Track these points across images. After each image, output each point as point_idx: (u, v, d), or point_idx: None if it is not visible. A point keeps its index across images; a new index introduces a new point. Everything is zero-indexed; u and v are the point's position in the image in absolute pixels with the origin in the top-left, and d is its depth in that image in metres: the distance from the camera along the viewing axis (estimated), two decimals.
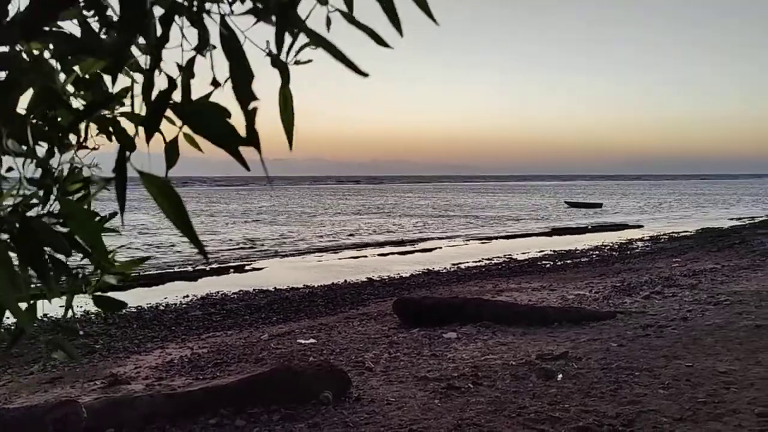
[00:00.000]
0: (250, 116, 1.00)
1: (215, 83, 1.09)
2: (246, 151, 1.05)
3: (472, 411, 4.82)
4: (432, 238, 28.46)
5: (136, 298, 13.12)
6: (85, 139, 1.32)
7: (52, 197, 1.13)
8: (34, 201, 1.12)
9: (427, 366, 6.25)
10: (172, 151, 1.17)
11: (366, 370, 6.20)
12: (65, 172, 1.23)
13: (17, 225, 0.98)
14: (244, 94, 1.01)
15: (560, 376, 5.63)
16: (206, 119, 1.01)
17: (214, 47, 1.08)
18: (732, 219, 37.02)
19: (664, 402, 4.85)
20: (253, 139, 1.00)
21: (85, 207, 1.13)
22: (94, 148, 1.49)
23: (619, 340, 6.90)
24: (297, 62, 1.17)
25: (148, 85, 1.04)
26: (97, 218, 1.28)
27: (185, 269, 18.85)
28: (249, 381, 5.13)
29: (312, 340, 8.02)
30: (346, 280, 15.75)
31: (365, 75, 1.09)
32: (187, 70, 1.07)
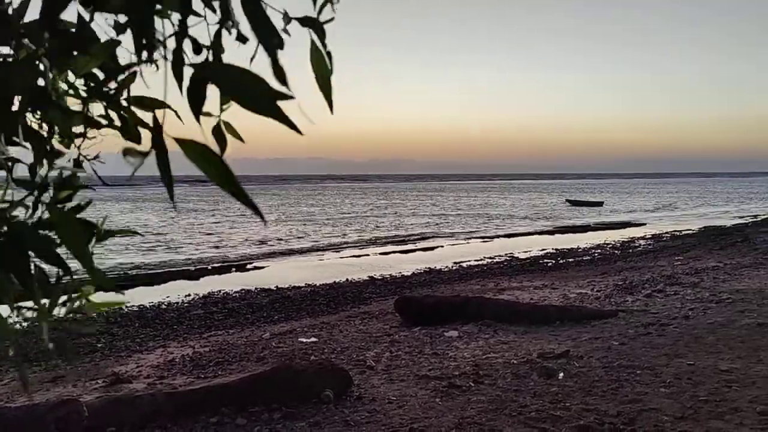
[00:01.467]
0: (276, 64, 0.96)
1: (241, 38, 1.05)
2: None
3: (473, 410, 4.81)
4: (433, 237, 28.45)
5: (137, 296, 13.15)
6: (83, 139, 1.29)
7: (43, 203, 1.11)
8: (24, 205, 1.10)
9: (429, 364, 6.25)
10: (220, 135, 1.15)
11: (367, 369, 6.20)
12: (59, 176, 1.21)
13: (3, 230, 0.97)
14: (269, 42, 0.98)
15: (561, 374, 5.62)
16: (243, 83, 0.96)
17: (239, 23, 1.06)
18: (735, 217, 36.95)
19: (666, 400, 4.84)
20: (282, 79, 0.96)
21: (76, 216, 1.10)
22: (96, 157, 1.47)
23: (621, 339, 6.89)
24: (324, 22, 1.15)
25: (177, 61, 1.01)
26: (94, 228, 1.25)
27: (187, 268, 18.87)
28: (250, 380, 5.14)
29: (313, 339, 8.03)
30: (347, 279, 15.75)
31: None
32: (217, 42, 1.05)
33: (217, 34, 1.05)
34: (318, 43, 1.13)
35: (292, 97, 0.93)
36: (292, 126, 0.95)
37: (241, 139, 1.22)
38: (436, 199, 68.72)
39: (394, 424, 4.58)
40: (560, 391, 5.17)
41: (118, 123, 1.17)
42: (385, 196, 76.11)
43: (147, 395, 4.90)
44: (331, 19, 1.15)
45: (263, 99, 0.93)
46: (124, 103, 1.10)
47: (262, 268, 19.31)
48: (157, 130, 0.96)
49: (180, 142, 0.92)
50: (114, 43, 1.06)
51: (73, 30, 1.04)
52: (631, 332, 7.21)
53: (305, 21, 1.12)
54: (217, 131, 1.15)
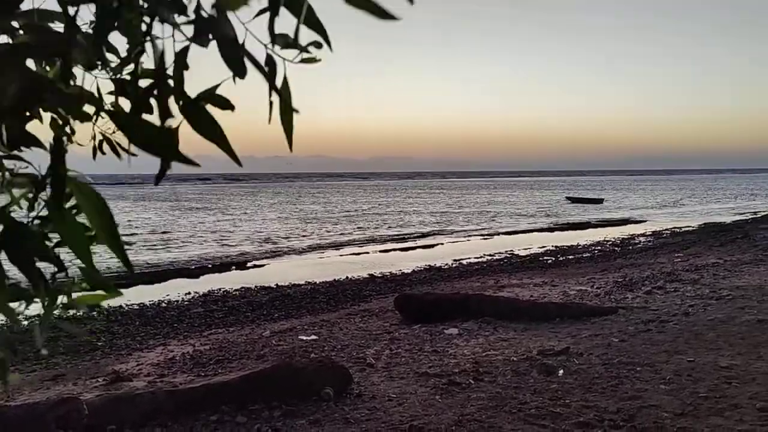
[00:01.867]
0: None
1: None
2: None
3: (473, 407, 4.82)
4: (433, 234, 28.45)
5: (138, 295, 13.15)
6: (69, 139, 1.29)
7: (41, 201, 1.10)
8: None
9: (429, 362, 6.26)
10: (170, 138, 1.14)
11: (367, 367, 6.21)
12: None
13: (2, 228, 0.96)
14: (235, 66, 0.98)
15: (561, 371, 5.63)
16: (199, 115, 0.98)
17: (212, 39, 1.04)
18: (735, 213, 36.94)
19: (665, 397, 4.84)
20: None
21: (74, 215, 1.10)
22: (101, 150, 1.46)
23: (621, 336, 6.90)
24: (304, 60, 1.10)
25: (134, 79, 1.02)
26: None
27: (187, 266, 18.88)
28: (250, 377, 5.14)
29: (313, 337, 8.03)
30: (347, 277, 15.75)
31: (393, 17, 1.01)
32: (182, 59, 1.04)
33: (182, 52, 1.05)
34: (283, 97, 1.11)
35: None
36: (236, 160, 1.00)
37: (236, 160, 1.16)
38: (437, 196, 68.72)
39: (394, 422, 4.59)
40: (560, 388, 5.17)
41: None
42: (386, 194, 76.12)
43: (147, 393, 4.90)
44: (317, 60, 1.12)
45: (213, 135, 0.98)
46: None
47: (262, 266, 19.32)
48: (56, 157, 0.96)
49: (72, 184, 0.95)
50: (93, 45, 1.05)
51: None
52: (631, 329, 7.21)
53: (267, 60, 1.08)
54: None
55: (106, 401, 4.69)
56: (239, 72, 1.01)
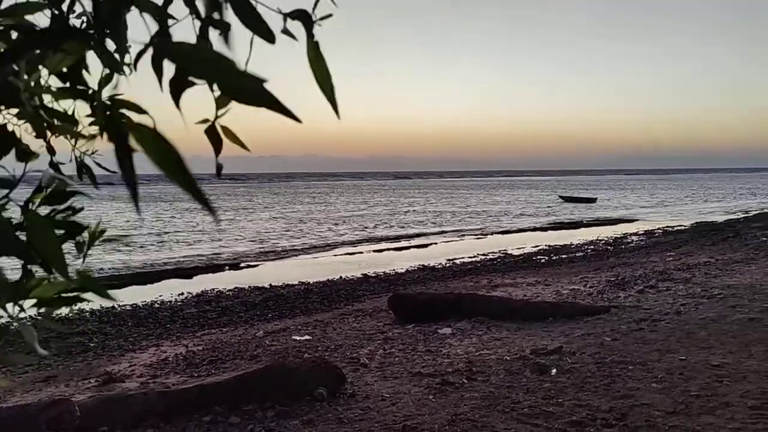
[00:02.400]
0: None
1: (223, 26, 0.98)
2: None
3: (467, 406, 4.83)
4: (427, 234, 28.47)
5: (131, 295, 13.10)
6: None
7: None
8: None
9: (422, 362, 6.26)
10: (214, 136, 1.09)
11: (361, 367, 6.21)
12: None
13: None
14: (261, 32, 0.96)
15: (554, 370, 5.65)
16: (213, 64, 0.86)
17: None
18: (727, 213, 37.15)
19: (657, 396, 4.87)
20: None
21: (48, 218, 1.08)
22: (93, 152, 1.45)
23: (613, 335, 6.92)
24: (319, 19, 1.07)
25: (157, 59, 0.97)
26: (81, 231, 1.23)
27: (181, 266, 18.81)
28: (243, 378, 5.13)
29: (307, 337, 8.02)
30: (341, 277, 15.74)
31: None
32: (203, 38, 1.00)
33: (203, 30, 1.02)
34: (316, 48, 1.06)
35: (264, 80, 0.84)
36: (287, 112, 0.86)
37: (244, 146, 1.14)
38: (431, 196, 68.78)
39: (388, 422, 4.59)
40: (553, 387, 5.19)
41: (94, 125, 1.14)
42: (380, 194, 76.11)
43: (139, 394, 4.89)
44: (329, 15, 1.08)
45: (241, 83, 0.84)
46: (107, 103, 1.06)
47: (256, 266, 19.27)
48: (115, 120, 0.91)
49: (130, 126, 0.87)
50: (88, 39, 1.03)
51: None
52: (624, 328, 7.24)
53: (297, 14, 1.05)
54: (211, 132, 1.09)
55: (98, 402, 4.68)
56: (269, 37, 0.98)
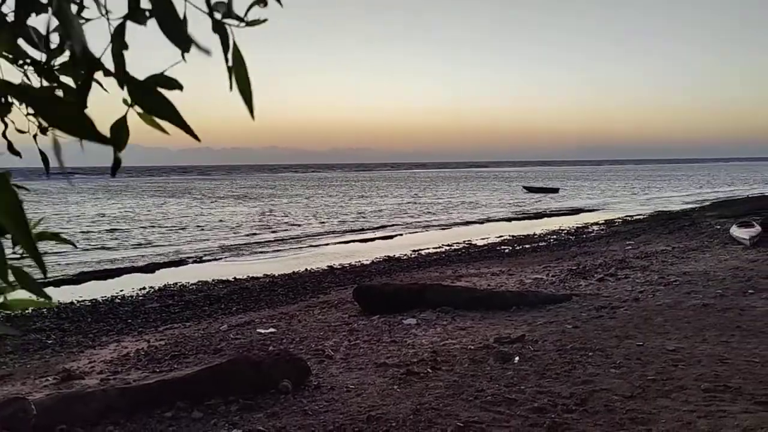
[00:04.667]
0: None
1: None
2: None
3: (431, 395, 4.87)
4: (392, 226, 28.54)
5: (90, 291, 12.82)
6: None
7: None
8: None
9: (387, 352, 6.29)
10: (121, 131, 1.04)
11: (326, 358, 6.20)
12: None
13: None
14: (178, 39, 0.95)
15: (517, 358, 5.73)
16: (149, 96, 0.93)
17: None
18: (683, 202, 38.18)
19: (616, 381, 4.99)
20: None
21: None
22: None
23: (574, 322, 7.07)
24: (250, 23, 1.05)
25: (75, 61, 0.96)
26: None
27: (143, 261, 18.46)
28: (207, 372, 5.07)
29: (272, 330, 7.97)
30: (306, 269, 15.68)
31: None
32: (119, 38, 0.99)
33: (120, 28, 1.00)
34: (238, 53, 1.05)
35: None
36: (185, 128, 0.92)
37: (163, 130, 1.07)
38: (395, 188, 68.90)
39: (352, 412, 4.60)
40: (515, 375, 5.27)
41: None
42: (346, 186, 75.91)
43: (99, 391, 4.79)
44: (264, 21, 1.07)
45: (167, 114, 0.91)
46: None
47: (220, 259, 19.04)
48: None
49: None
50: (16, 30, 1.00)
51: None
52: (584, 315, 7.40)
53: (215, 25, 1.03)
54: (119, 124, 1.05)
55: (56, 400, 4.57)
56: (184, 45, 0.98)
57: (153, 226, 28.54)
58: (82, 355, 7.66)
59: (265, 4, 1.06)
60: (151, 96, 0.95)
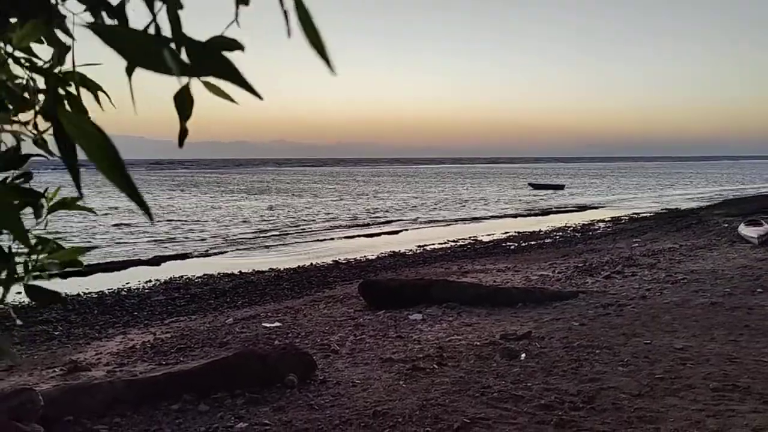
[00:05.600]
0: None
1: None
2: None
3: (437, 391, 4.86)
4: (398, 221, 28.51)
5: (97, 283, 12.86)
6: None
7: None
8: None
9: (393, 348, 6.28)
10: (185, 99, 0.99)
11: (331, 353, 6.20)
12: None
13: None
14: None
15: (523, 355, 5.71)
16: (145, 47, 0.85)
17: None
18: (691, 200, 38.01)
19: (623, 379, 4.96)
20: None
21: (3, 184, 1.02)
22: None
23: (581, 320, 7.04)
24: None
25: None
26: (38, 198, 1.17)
27: (149, 254, 18.50)
28: (213, 365, 5.08)
29: (277, 324, 7.98)
30: (312, 263, 15.68)
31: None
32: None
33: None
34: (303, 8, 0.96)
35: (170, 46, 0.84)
36: (247, 87, 0.84)
37: (231, 98, 1.02)
38: (402, 184, 68.84)
39: (358, 407, 4.60)
40: (522, 372, 5.25)
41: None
42: (351, 180, 75.90)
43: (106, 383, 4.80)
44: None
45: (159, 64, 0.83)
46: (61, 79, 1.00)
47: (226, 253, 19.07)
48: (52, 102, 0.87)
49: (63, 114, 0.84)
50: (56, 16, 0.98)
51: None
52: (591, 313, 7.36)
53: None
54: (182, 93, 0.99)
55: (63, 391, 4.58)
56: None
57: (159, 220, 28.61)
58: (88, 347, 7.68)
59: None
60: (212, 58, 0.88)
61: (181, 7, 0.94)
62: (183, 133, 1.01)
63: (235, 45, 0.93)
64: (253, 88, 0.85)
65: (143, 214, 0.82)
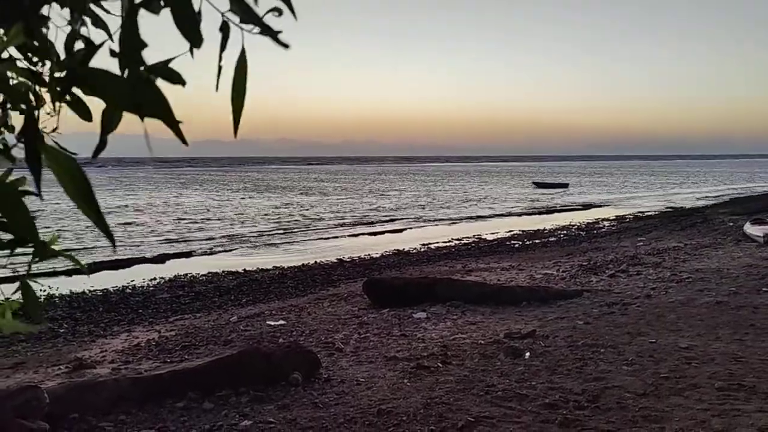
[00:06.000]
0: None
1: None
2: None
3: (441, 390, 4.85)
4: (402, 219, 28.51)
5: (101, 281, 12.89)
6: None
7: None
8: None
9: (397, 346, 6.28)
10: (112, 116, 1.00)
11: (336, 351, 6.20)
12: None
13: None
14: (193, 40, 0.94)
15: (528, 354, 5.70)
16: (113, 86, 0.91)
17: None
18: (696, 198, 37.88)
19: (628, 378, 4.95)
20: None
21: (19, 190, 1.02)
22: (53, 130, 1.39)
23: (585, 318, 7.02)
24: (263, 32, 0.99)
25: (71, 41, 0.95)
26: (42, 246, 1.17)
27: (154, 252, 18.56)
28: (217, 363, 5.09)
29: (281, 322, 7.99)
30: (316, 261, 15.69)
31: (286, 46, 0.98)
32: (131, 27, 0.96)
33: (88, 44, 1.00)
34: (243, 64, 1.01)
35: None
36: (177, 132, 0.91)
37: (182, 139, 1.01)
38: (406, 182, 68.81)
39: (363, 405, 4.60)
40: (526, 371, 5.25)
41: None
42: (356, 179, 75.90)
43: (111, 380, 4.82)
44: (279, 32, 1.01)
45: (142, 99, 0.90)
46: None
47: (230, 251, 19.10)
48: (29, 133, 0.91)
49: (45, 149, 0.90)
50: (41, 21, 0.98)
51: None
52: (596, 312, 7.35)
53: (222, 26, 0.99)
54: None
55: (68, 389, 4.59)
56: (195, 41, 0.95)
57: (164, 216, 28.67)
58: (93, 345, 7.71)
59: (280, 14, 1.01)
60: (145, 89, 0.91)
61: (145, 46, 0.96)
62: (101, 145, 1.03)
63: (176, 78, 0.97)
64: (181, 132, 0.92)
65: (108, 240, 0.93)
